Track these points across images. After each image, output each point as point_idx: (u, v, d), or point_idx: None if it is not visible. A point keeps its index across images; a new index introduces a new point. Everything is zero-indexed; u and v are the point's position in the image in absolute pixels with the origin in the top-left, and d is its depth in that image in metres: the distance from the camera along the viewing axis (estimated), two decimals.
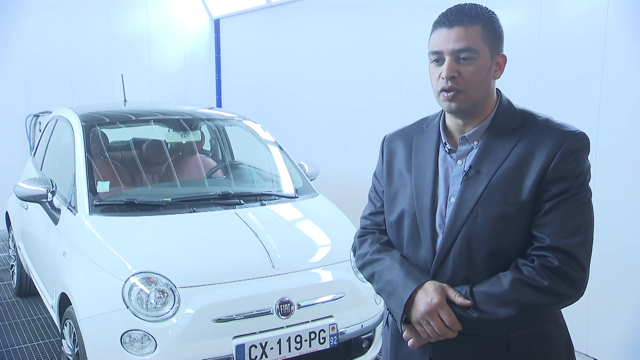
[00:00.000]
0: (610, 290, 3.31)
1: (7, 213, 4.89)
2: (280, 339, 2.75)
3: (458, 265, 1.44)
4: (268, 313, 2.77)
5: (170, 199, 3.33)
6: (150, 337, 2.60)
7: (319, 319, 2.87)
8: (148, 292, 2.66)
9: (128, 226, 3.12)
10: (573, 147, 1.39)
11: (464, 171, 1.47)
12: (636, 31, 3.14)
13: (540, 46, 3.60)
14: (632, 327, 3.27)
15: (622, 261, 3.26)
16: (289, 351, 2.78)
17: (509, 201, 1.40)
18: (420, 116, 1.69)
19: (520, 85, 3.65)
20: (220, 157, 4.40)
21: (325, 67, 5.79)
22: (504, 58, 1.49)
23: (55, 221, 3.38)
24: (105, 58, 7.10)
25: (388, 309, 1.57)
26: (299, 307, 2.84)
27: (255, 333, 2.73)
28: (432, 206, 1.50)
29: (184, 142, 4.23)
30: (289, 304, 2.81)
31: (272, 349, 2.73)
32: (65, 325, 3.01)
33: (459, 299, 1.39)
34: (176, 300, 2.67)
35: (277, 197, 3.56)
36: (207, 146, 4.53)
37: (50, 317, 4.12)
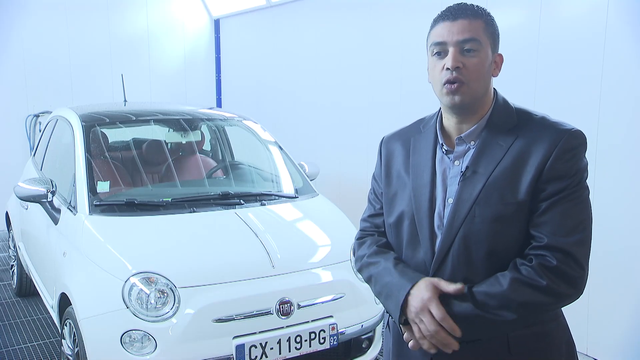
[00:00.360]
0: (610, 290, 3.31)
1: (7, 213, 4.89)
2: (280, 339, 2.75)
3: (457, 266, 1.44)
4: (268, 313, 2.77)
5: (170, 199, 3.33)
6: (150, 337, 2.60)
7: (319, 319, 2.87)
8: (148, 292, 2.66)
9: (128, 226, 3.12)
10: (569, 145, 1.39)
11: (461, 172, 1.47)
12: (636, 31, 3.14)
13: (540, 46, 3.60)
14: (632, 327, 3.27)
15: (622, 261, 3.26)
16: (289, 351, 2.78)
17: (506, 201, 1.40)
18: (420, 116, 1.69)
19: (520, 85, 3.65)
20: (220, 157, 4.40)
21: (325, 67, 5.79)
22: (501, 57, 1.50)
23: (55, 221, 3.38)
24: (105, 58, 7.10)
25: (387, 312, 1.57)
26: (299, 307, 2.84)
27: (255, 333, 2.73)
28: (430, 207, 1.50)
29: (184, 142, 4.23)
30: (289, 304, 2.81)
31: (272, 349, 2.73)
32: (65, 325, 3.01)
33: (450, 287, 1.39)
34: (176, 300, 2.67)
35: (277, 197, 3.56)
36: (207, 146, 4.53)
37: (50, 317, 4.12)
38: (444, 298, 1.41)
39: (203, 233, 3.14)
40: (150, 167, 3.96)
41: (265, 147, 4.11)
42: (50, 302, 3.43)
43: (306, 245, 3.24)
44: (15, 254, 4.68)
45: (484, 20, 1.44)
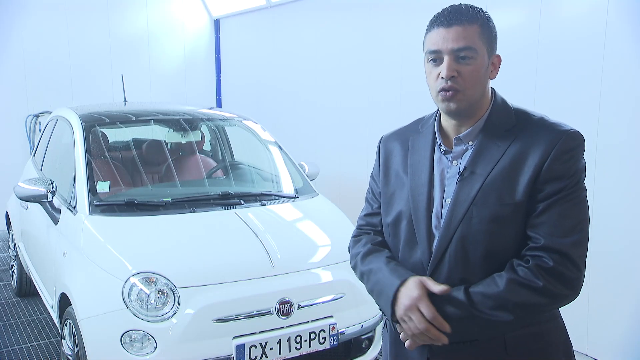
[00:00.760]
0: (610, 290, 3.31)
1: (7, 213, 4.89)
2: (280, 339, 2.75)
3: (454, 266, 1.44)
4: (268, 313, 2.77)
5: (170, 199, 3.33)
6: (150, 337, 2.60)
7: (319, 319, 2.87)
8: (148, 292, 2.66)
9: (128, 226, 3.12)
10: (567, 146, 1.39)
11: (459, 172, 1.47)
12: (636, 31, 3.14)
13: (540, 46, 3.60)
14: (632, 327, 3.27)
15: (622, 261, 3.26)
16: (289, 351, 2.78)
17: (503, 201, 1.40)
18: (420, 116, 1.69)
19: (520, 85, 3.65)
20: (220, 157, 4.40)
21: (325, 67, 5.79)
22: (499, 58, 1.49)
23: (55, 221, 3.38)
24: (105, 58, 7.10)
25: (380, 310, 1.57)
26: (299, 307, 2.84)
27: (255, 333, 2.73)
28: (428, 207, 1.50)
29: (184, 142, 4.23)
30: (289, 304, 2.81)
31: (272, 349, 2.73)
32: (65, 325, 3.01)
33: (436, 287, 1.39)
34: (176, 301, 2.67)
35: (277, 197, 3.56)
36: (207, 146, 4.53)
37: (50, 317, 4.12)
38: (440, 298, 1.41)
39: (203, 233, 3.14)
40: (150, 167, 3.96)
41: (265, 147, 4.11)
42: (50, 302, 3.43)
43: (306, 245, 3.24)
44: (15, 254, 4.68)
45: (480, 24, 1.42)
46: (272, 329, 2.76)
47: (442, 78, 1.42)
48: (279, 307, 2.79)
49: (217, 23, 7.83)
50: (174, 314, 2.64)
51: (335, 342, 2.88)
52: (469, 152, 1.48)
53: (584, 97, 3.37)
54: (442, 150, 1.53)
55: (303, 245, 3.22)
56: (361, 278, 1.63)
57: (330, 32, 5.67)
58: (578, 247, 1.37)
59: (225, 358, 2.67)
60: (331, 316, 2.90)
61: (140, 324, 2.61)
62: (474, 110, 1.47)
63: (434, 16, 1.46)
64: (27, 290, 4.61)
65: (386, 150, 1.68)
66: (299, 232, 3.40)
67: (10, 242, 4.96)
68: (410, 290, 1.42)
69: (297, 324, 2.81)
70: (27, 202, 3.77)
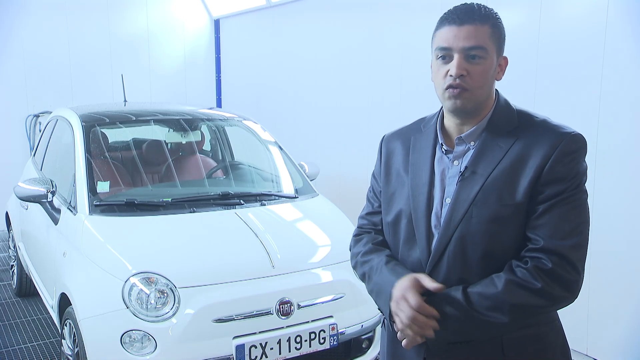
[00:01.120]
0: (610, 290, 3.31)
1: (7, 213, 4.89)
2: (280, 339, 2.75)
3: (452, 266, 1.44)
4: (268, 313, 2.77)
5: (170, 199, 3.33)
6: (150, 337, 2.60)
7: (319, 319, 2.87)
8: (148, 292, 2.66)
9: (128, 226, 3.12)
10: (569, 148, 1.38)
11: (460, 172, 1.47)
12: (636, 31, 3.14)
13: (540, 46, 3.60)
14: (632, 327, 3.27)
15: (622, 261, 3.26)
16: (289, 351, 2.77)
17: (503, 202, 1.40)
18: (420, 116, 1.69)
19: (520, 86, 3.65)
20: (220, 157, 4.40)
21: (325, 67, 5.79)
22: (506, 60, 1.49)
23: (55, 221, 3.38)
24: (105, 58, 7.10)
25: (379, 309, 1.57)
26: (299, 307, 2.84)
27: (255, 333, 2.73)
28: (428, 207, 1.50)
29: (184, 142, 4.23)
30: (289, 304, 2.81)
31: (272, 349, 2.73)
32: (65, 325, 3.01)
33: (431, 284, 1.40)
34: (176, 301, 2.67)
35: (277, 197, 3.56)
36: (207, 146, 4.53)
37: (50, 317, 4.12)
38: (438, 298, 1.41)
39: (203, 233, 3.14)
40: (150, 167, 3.96)
41: (265, 147, 4.11)
42: (50, 302, 3.43)
43: (306, 245, 3.24)
44: (15, 254, 4.68)
45: (491, 25, 1.42)
46: (272, 329, 2.76)
47: (451, 76, 1.41)
48: (279, 307, 2.79)
49: (217, 23, 7.83)
50: (174, 314, 2.64)
51: (335, 342, 2.88)
52: (471, 152, 1.48)
53: (584, 97, 3.37)
54: (443, 150, 1.53)
55: (303, 245, 3.22)
56: (362, 278, 1.64)
57: (330, 32, 5.67)
58: (577, 250, 1.37)
59: (225, 358, 2.66)
60: (331, 316, 2.90)
61: (140, 324, 2.61)
62: (479, 110, 1.47)
63: (445, 13, 1.46)
64: (27, 290, 4.61)
65: (388, 149, 1.68)
66: (299, 232, 3.40)
67: (10, 242, 4.96)
68: (401, 284, 1.43)
69: (297, 324, 2.81)
70: (27, 202, 3.77)
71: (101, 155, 3.79)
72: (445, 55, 1.43)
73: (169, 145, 4.16)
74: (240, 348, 2.67)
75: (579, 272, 1.37)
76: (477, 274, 1.42)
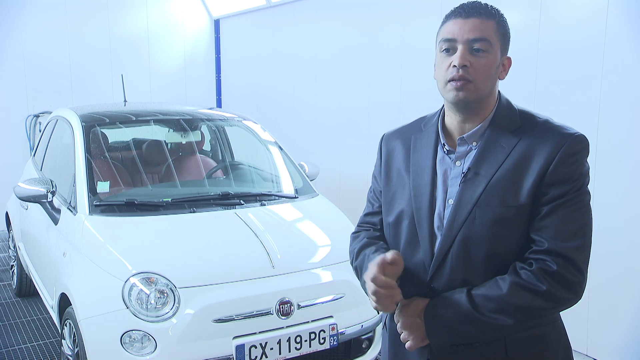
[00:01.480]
0: (610, 290, 3.31)
1: (7, 213, 4.89)
2: (280, 339, 2.75)
3: (456, 268, 1.43)
4: (268, 313, 2.77)
5: (170, 199, 3.33)
6: (150, 337, 2.60)
7: (319, 319, 2.87)
8: (148, 292, 2.66)
9: (128, 226, 3.12)
10: (572, 149, 1.38)
11: (463, 173, 1.46)
12: (636, 31, 3.14)
13: (540, 46, 3.60)
14: (632, 327, 3.27)
15: (622, 261, 3.26)
16: (289, 351, 2.77)
17: (507, 204, 1.39)
18: (420, 116, 1.68)
19: (520, 86, 3.65)
20: (220, 158, 4.40)
21: (325, 67, 5.79)
22: (509, 60, 1.48)
23: (55, 221, 3.38)
24: (105, 58, 7.10)
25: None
26: (299, 307, 2.84)
27: (255, 333, 2.73)
28: (430, 208, 1.49)
29: (183, 142, 4.23)
30: (289, 304, 2.81)
31: (272, 349, 2.73)
32: (65, 325, 3.01)
33: (389, 255, 1.41)
34: (176, 301, 2.67)
35: (277, 198, 3.56)
36: (207, 146, 4.53)
37: (50, 318, 4.12)
38: (442, 300, 1.41)
39: (203, 233, 3.14)
40: (150, 167, 3.96)
41: (265, 147, 4.11)
42: (50, 303, 3.43)
43: (306, 245, 3.24)
44: (15, 254, 4.68)
45: (497, 21, 1.42)
46: (272, 329, 2.76)
47: (454, 66, 1.40)
48: (279, 307, 2.79)
49: (217, 23, 7.83)
50: (174, 314, 2.64)
51: (335, 342, 2.88)
52: (473, 153, 1.47)
53: (584, 97, 3.37)
54: (445, 150, 1.52)
55: (303, 246, 3.22)
56: (356, 273, 1.64)
57: (330, 32, 5.67)
58: (582, 252, 1.36)
59: (225, 358, 2.66)
60: (331, 316, 2.90)
61: (140, 324, 2.61)
62: (481, 106, 1.46)
63: (451, 10, 1.46)
64: (27, 290, 4.61)
65: (388, 148, 1.67)
66: (299, 232, 3.40)
67: (10, 242, 4.96)
68: (371, 265, 1.44)
69: (297, 324, 2.81)
70: (27, 202, 3.77)
71: (101, 156, 3.79)
72: (449, 47, 1.42)
73: (169, 145, 4.16)
74: (240, 348, 2.67)
75: (584, 274, 1.37)
76: (480, 275, 1.41)
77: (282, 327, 2.78)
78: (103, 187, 3.34)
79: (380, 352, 3.12)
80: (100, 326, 2.66)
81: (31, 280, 4.27)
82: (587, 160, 1.43)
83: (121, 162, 3.88)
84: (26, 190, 3.37)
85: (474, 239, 1.41)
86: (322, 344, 2.85)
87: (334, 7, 5.59)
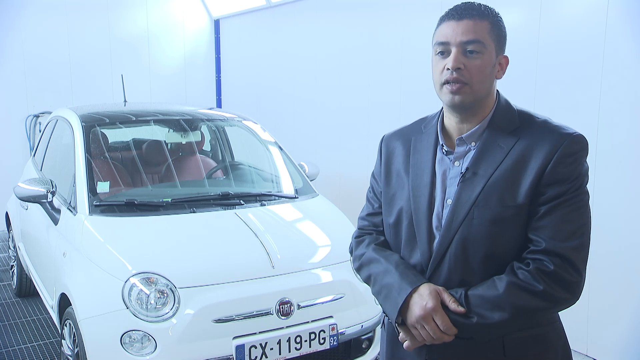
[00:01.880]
0: (610, 290, 3.31)
1: (7, 213, 4.89)
2: (280, 340, 2.75)
3: (454, 268, 1.43)
4: (268, 313, 2.77)
5: (170, 200, 3.32)
6: (150, 337, 2.60)
7: (319, 319, 2.87)
8: (148, 292, 2.66)
9: (128, 226, 3.12)
10: (571, 149, 1.38)
11: (461, 173, 1.46)
12: (636, 31, 3.14)
13: (540, 46, 3.60)
14: (632, 327, 3.27)
15: (622, 261, 3.26)
16: (289, 351, 2.77)
17: (505, 204, 1.39)
18: (420, 116, 1.68)
19: (520, 85, 3.65)
20: (220, 158, 4.40)
21: (325, 67, 5.79)
22: (507, 59, 1.48)
23: (55, 221, 3.38)
24: (105, 58, 7.10)
25: (384, 312, 1.56)
26: (299, 307, 2.84)
27: (255, 333, 2.73)
28: (429, 208, 1.49)
29: (183, 142, 4.23)
30: (288, 305, 2.81)
31: (272, 349, 2.73)
32: (65, 325, 3.01)
33: (452, 305, 1.39)
34: (176, 301, 2.67)
35: (277, 198, 3.56)
36: (207, 146, 4.53)
37: (50, 318, 4.12)
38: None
39: (203, 233, 3.14)
40: (150, 167, 3.96)
41: (265, 148, 4.11)
42: (50, 303, 3.43)
43: (306, 245, 3.24)
44: (15, 254, 4.68)
45: (490, 22, 1.43)
46: (272, 329, 2.76)
47: (448, 69, 1.41)
48: (279, 308, 2.79)
49: (217, 23, 7.83)
50: (174, 314, 2.64)
51: (335, 343, 2.88)
52: (472, 153, 1.47)
53: (584, 97, 3.37)
54: (444, 150, 1.52)
55: (303, 246, 3.22)
56: (367, 280, 1.61)
57: (330, 33, 5.67)
58: (579, 252, 1.36)
59: (225, 358, 2.66)
60: (331, 316, 2.90)
61: (140, 325, 2.60)
62: (478, 107, 1.47)
63: (446, 11, 1.47)
64: (27, 290, 4.61)
65: (388, 149, 1.67)
66: (299, 232, 3.40)
67: (10, 243, 4.96)
68: (424, 301, 1.40)
69: (297, 324, 2.81)
70: (27, 203, 3.77)
71: (101, 156, 3.79)
72: (444, 50, 1.43)
73: (169, 145, 4.16)
74: (240, 348, 2.67)
75: (581, 274, 1.37)
76: (478, 275, 1.42)
77: (282, 327, 2.78)
78: (103, 187, 3.34)
79: (379, 352, 3.13)
80: (100, 326, 2.66)
81: (31, 281, 4.27)
82: (587, 160, 1.43)
83: (121, 162, 3.88)
84: (26, 191, 3.37)
85: (472, 238, 1.41)
86: (322, 344, 2.85)
87: (334, 7, 5.59)
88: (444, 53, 1.43)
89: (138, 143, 4.11)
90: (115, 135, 4.25)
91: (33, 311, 4.40)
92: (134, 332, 2.60)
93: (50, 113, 5.35)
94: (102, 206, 3.18)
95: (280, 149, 4.06)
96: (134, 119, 4.04)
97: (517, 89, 3.61)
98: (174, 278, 2.72)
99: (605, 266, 3.24)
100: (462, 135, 1.49)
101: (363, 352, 3.07)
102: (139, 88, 7.08)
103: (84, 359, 2.69)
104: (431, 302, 1.39)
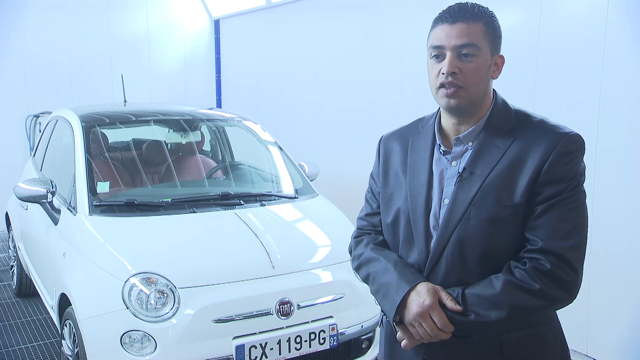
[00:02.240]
0: (610, 291, 3.30)
1: (7, 213, 4.89)
2: (280, 340, 2.75)
3: (451, 267, 1.44)
4: (268, 313, 2.77)
5: (170, 200, 3.33)
6: (150, 337, 2.60)
7: (319, 319, 2.87)
8: (148, 292, 2.66)
9: (128, 227, 3.12)
10: (567, 149, 1.38)
11: (458, 172, 1.46)
12: (636, 31, 3.14)
13: (540, 46, 3.60)
14: (632, 327, 3.27)
15: (622, 262, 3.26)
16: (289, 352, 2.77)
17: (502, 203, 1.39)
18: (420, 117, 1.69)
19: (520, 85, 3.65)
20: (220, 158, 4.40)
21: (325, 68, 5.79)
22: (502, 59, 1.48)
23: (55, 222, 3.38)
24: (105, 58, 7.10)
25: (382, 311, 1.56)
26: (299, 307, 2.84)
27: (255, 333, 2.73)
28: (426, 208, 1.50)
29: (183, 142, 4.23)
30: (288, 305, 2.81)
31: (272, 349, 2.73)
32: (65, 325, 3.01)
33: (450, 303, 1.39)
34: (176, 301, 2.67)
35: (277, 198, 3.56)
36: (207, 146, 4.53)
37: (50, 318, 4.12)
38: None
39: (203, 233, 3.14)
40: (150, 167, 3.96)
41: (265, 148, 4.11)
42: (50, 303, 3.43)
43: (306, 245, 3.24)
44: (15, 254, 4.68)
45: (484, 23, 1.43)
46: (272, 330, 2.76)
47: (443, 74, 1.41)
48: (279, 308, 2.79)
49: (217, 23, 7.83)
50: (173, 315, 2.64)
51: (335, 343, 2.88)
52: (469, 153, 1.47)
53: (584, 97, 3.37)
54: (441, 150, 1.53)
55: (303, 246, 3.22)
56: (365, 279, 1.62)
57: (330, 33, 5.67)
58: (576, 251, 1.37)
59: (225, 358, 2.67)
60: (331, 316, 2.90)
61: (140, 325, 2.61)
62: (475, 109, 1.47)
63: (440, 13, 1.47)
64: (27, 290, 4.61)
65: (386, 150, 1.68)
66: (299, 232, 3.40)
67: (10, 243, 4.96)
68: (421, 298, 1.41)
69: (297, 325, 2.81)
70: (27, 203, 3.77)
71: (101, 156, 3.79)
72: (438, 53, 1.44)
73: (169, 145, 4.16)
74: (240, 348, 2.67)
75: (578, 273, 1.37)
76: (475, 275, 1.42)
77: (282, 328, 2.78)
78: (103, 187, 3.34)
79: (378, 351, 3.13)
80: (100, 326, 2.66)
81: (31, 281, 4.27)
82: (584, 159, 1.43)
83: (121, 163, 3.88)
84: (26, 191, 3.37)
85: (469, 238, 1.42)
86: (322, 344, 2.85)
87: (334, 7, 5.59)
88: (439, 57, 1.44)
89: (138, 143, 4.11)
90: (115, 135, 4.25)
91: (33, 311, 4.40)
92: (134, 332, 2.60)
93: (50, 113, 5.35)
94: (102, 206, 3.18)
95: (280, 149, 4.06)
96: (134, 119, 4.04)
97: (517, 89, 3.61)
98: (174, 278, 2.72)
99: (605, 266, 3.24)
100: (459, 135, 1.49)
101: (363, 352, 3.07)
102: (139, 88, 7.08)
103: (83, 359, 2.69)
104: (428, 300, 1.40)
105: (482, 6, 1.46)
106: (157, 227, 3.12)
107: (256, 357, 2.71)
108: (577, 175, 1.39)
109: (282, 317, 2.79)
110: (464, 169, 1.46)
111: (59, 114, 4.24)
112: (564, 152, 1.38)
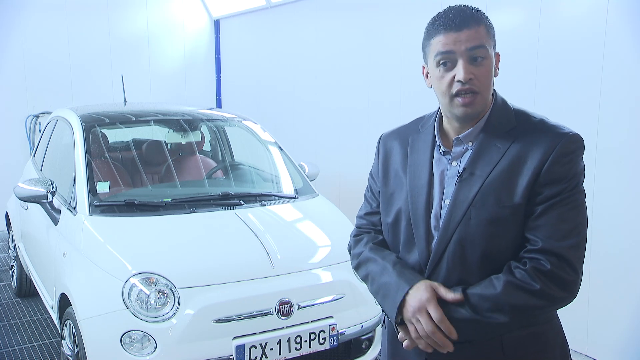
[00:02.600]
0: (610, 291, 3.30)
1: (7, 213, 4.89)
2: (280, 340, 2.75)
3: (452, 268, 1.44)
4: (268, 313, 2.77)
5: (170, 200, 3.33)
6: (150, 337, 2.60)
7: (319, 319, 2.87)
8: (148, 292, 2.66)
9: (128, 227, 3.12)
10: (567, 149, 1.38)
11: (458, 173, 1.46)
12: (636, 31, 3.14)
13: (540, 46, 3.60)
14: (632, 327, 3.27)
15: (622, 262, 3.25)
16: (289, 352, 2.77)
17: (502, 203, 1.39)
18: (419, 116, 1.68)
19: (520, 85, 3.65)
20: (220, 158, 4.40)
21: (325, 68, 5.79)
22: (499, 55, 1.48)
23: (55, 222, 3.38)
24: (105, 58, 7.10)
25: (383, 311, 1.56)
26: (299, 307, 2.84)
27: (255, 334, 2.73)
28: (427, 208, 1.50)
29: (183, 142, 4.23)
30: (288, 305, 2.81)
31: (272, 349, 2.73)
32: (65, 325, 3.01)
33: (449, 295, 1.39)
34: (176, 301, 2.67)
35: (277, 198, 3.56)
36: (207, 147, 4.53)
37: (50, 318, 4.12)
38: (439, 300, 1.41)
39: (203, 233, 3.14)
40: (150, 167, 3.96)
41: (265, 148, 4.11)
42: (50, 303, 3.43)
43: (306, 245, 3.24)
44: (15, 254, 4.68)
45: (485, 25, 1.42)
46: (272, 330, 2.76)
47: (459, 81, 1.39)
48: (279, 308, 2.79)
49: (217, 23, 7.83)
50: (173, 315, 2.64)
51: (335, 343, 2.88)
52: (469, 153, 1.47)
53: (584, 97, 3.37)
54: (441, 151, 1.53)
55: (303, 246, 3.22)
56: (365, 279, 1.62)
57: (330, 33, 5.67)
58: (576, 250, 1.37)
59: (225, 358, 2.67)
60: (331, 316, 2.90)
61: (140, 325, 2.61)
62: None
63: (436, 21, 1.43)
64: (27, 290, 4.61)
65: (386, 148, 1.67)
66: (299, 232, 3.40)
67: (10, 243, 4.96)
68: (419, 293, 1.41)
69: (297, 325, 2.81)
70: (27, 203, 3.77)
71: (101, 156, 3.79)
72: (447, 60, 1.41)
73: (169, 145, 4.16)
74: (240, 348, 2.67)
75: (578, 273, 1.37)
76: (476, 275, 1.42)
77: (282, 328, 2.78)
78: (103, 187, 3.34)
79: (380, 352, 3.13)
80: (100, 326, 2.66)
81: (31, 281, 4.27)
82: (584, 159, 1.43)
83: (121, 163, 3.88)
84: (26, 191, 3.37)
85: (470, 238, 1.42)
86: (322, 344, 2.85)
87: (334, 7, 5.59)
88: (447, 64, 1.41)
89: (138, 143, 4.11)
90: (115, 135, 4.25)
91: (33, 311, 4.40)
92: (134, 332, 2.60)
93: (50, 113, 5.35)
94: (102, 206, 3.18)
95: (280, 149, 4.06)
96: (134, 119, 4.04)
97: (517, 89, 3.61)
98: (174, 278, 2.72)
99: (605, 266, 3.24)
100: (459, 136, 1.49)
101: (363, 352, 3.07)
102: (139, 88, 7.08)
103: (83, 359, 2.69)
104: (425, 294, 1.40)
105: (475, 8, 1.45)
106: (157, 227, 3.12)
107: (256, 357, 2.71)
108: (576, 175, 1.39)
109: (282, 317, 2.79)
110: (464, 169, 1.45)
111: (59, 114, 4.24)
112: (564, 152, 1.38)
